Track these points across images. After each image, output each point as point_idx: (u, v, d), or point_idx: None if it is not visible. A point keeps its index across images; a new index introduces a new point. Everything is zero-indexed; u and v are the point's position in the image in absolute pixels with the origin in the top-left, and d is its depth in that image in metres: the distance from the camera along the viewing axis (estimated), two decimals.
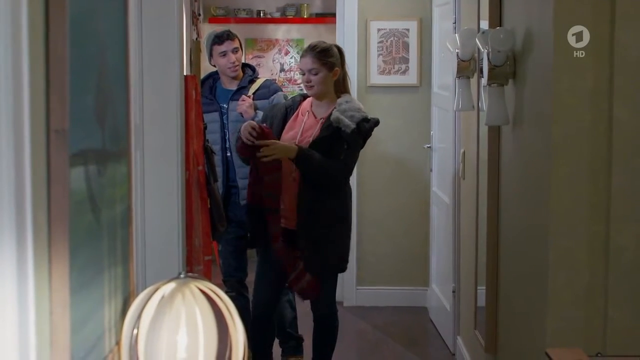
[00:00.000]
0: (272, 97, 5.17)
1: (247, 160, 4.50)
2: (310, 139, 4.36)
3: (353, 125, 4.29)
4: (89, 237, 1.92)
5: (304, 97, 4.60)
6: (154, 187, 3.07)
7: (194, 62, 7.84)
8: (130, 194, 2.39)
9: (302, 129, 4.44)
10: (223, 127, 5.16)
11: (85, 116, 1.89)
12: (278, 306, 4.84)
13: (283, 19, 8.76)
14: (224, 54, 5.17)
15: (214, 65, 5.34)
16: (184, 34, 3.43)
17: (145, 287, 2.14)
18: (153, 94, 3.05)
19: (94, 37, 2.00)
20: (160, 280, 2.09)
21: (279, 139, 4.43)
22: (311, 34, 8.68)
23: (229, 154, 5.14)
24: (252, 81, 5.24)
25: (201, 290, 2.07)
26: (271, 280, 4.58)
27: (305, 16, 8.73)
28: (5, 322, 1.43)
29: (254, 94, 5.19)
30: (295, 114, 4.54)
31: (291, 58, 8.77)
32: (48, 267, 1.58)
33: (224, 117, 5.17)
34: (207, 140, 4.69)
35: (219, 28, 5.48)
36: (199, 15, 8.20)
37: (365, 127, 4.35)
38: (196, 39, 8.01)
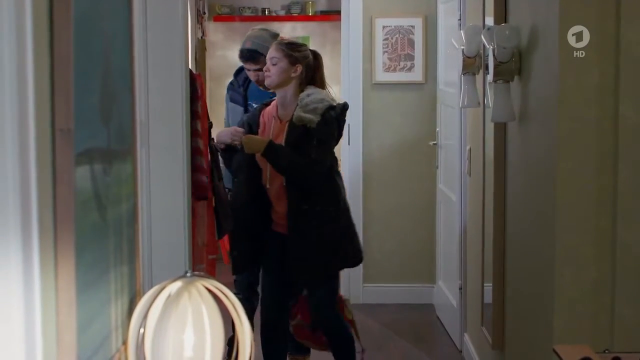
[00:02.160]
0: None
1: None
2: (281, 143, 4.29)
3: (317, 119, 4.19)
4: (94, 236, 1.92)
5: (265, 104, 4.54)
6: (159, 186, 3.07)
7: (199, 61, 7.85)
8: (136, 192, 2.39)
9: (272, 137, 4.35)
10: None
11: (90, 115, 1.89)
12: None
13: (288, 17, 8.76)
14: (248, 69, 5.11)
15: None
16: (189, 33, 3.42)
17: (151, 286, 2.14)
18: (158, 92, 3.04)
19: (99, 36, 2.00)
20: (166, 279, 2.09)
21: (252, 156, 4.39)
22: (316, 32, 8.68)
23: None
24: None
25: (208, 289, 2.07)
26: (277, 287, 4.55)
27: (310, 14, 8.72)
28: (12, 321, 1.43)
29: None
30: (262, 124, 4.47)
31: None
32: (54, 267, 1.58)
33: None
34: (213, 139, 4.69)
35: (254, 32, 5.28)
36: (204, 13, 8.20)
37: (332, 115, 4.23)
38: (201, 37, 8.01)
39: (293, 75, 4.34)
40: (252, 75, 5.05)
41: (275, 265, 4.49)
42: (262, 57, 4.99)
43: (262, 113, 4.51)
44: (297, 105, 4.28)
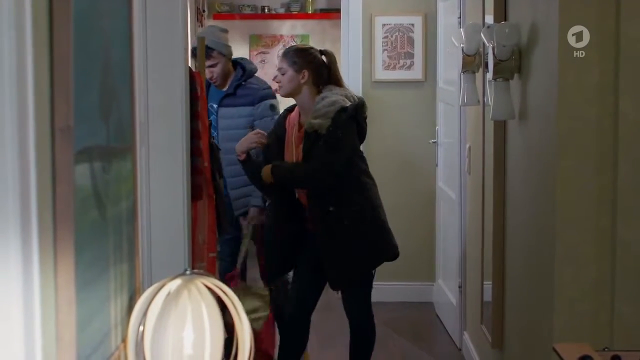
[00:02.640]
0: (258, 105, 5.07)
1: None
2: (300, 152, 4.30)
3: (327, 123, 4.16)
4: (94, 234, 1.92)
5: (289, 110, 4.53)
6: (159, 184, 3.07)
7: (199, 59, 7.85)
8: (136, 190, 2.38)
9: (294, 144, 4.36)
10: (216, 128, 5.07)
11: (90, 113, 1.89)
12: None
13: (287, 15, 8.76)
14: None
15: None
16: (189, 31, 3.42)
17: (151, 284, 2.14)
18: (158, 90, 3.04)
19: (98, 34, 2.00)
20: (166, 277, 2.09)
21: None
22: (316, 30, 8.68)
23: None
24: (238, 86, 5.11)
25: (207, 287, 2.07)
26: (308, 282, 4.55)
27: (310, 12, 8.72)
28: (11, 319, 1.43)
29: (233, 98, 5.10)
30: (287, 130, 4.45)
31: None
32: (54, 265, 1.58)
33: (212, 118, 5.10)
34: (213, 137, 4.69)
35: (202, 32, 5.34)
36: (204, 11, 8.20)
37: (343, 118, 4.19)
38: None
39: (302, 81, 4.33)
40: (207, 73, 5.04)
41: (308, 265, 4.49)
42: (214, 52, 5.02)
43: (287, 120, 4.48)
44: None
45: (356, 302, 4.51)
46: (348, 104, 4.24)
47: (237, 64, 5.22)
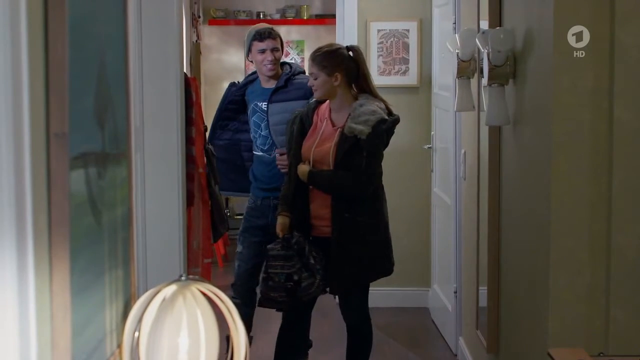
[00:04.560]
0: (311, 97, 5.07)
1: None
2: (330, 151, 4.30)
3: (368, 130, 4.19)
4: (89, 240, 1.92)
5: (319, 102, 4.51)
6: (154, 189, 3.07)
7: (194, 65, 7.85)
8: (131, 196, 2.39)
9: (319, 137, 4.38)
10: (266, 126, 5.07)
11: (85, 119, 1.89)
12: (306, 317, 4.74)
13: (283, 21, 8.77)
14: (262, 51, 5.10)
15: (252, 61, 5.23)
16: (184, 36, 3.43)
17: (146, 290, 2.14)
18: (153, 96, 3.05)
19: (94, 40, 2.00)
20: (161, 283, 2.09)
21: (299, 152, 4.42)
22: (311, 36, 8.68)
23: (272, 155, 5.05)
24: (289, 80, 5.10)
25: (202, 293, 2.07)
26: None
27: (305, 17, 8.74)
28: (6, 325, 1.43)
29: (284, 92, 5.11)
30: (314, 122, 4.47)
31: (291, 59, 8.77)
32: (49, 271, 1.58)
33: (257, 116, 5.11)
34: (208, 143, 4.68)
35: (261, 24, 5.34)
36: (199, 17, 8.21)
37: (382, 128, 4.24)
38: (196, 41, 8.01)
39: (335, 84, 4.33)
40: (267, 57, 5.04)
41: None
42: (278, 38, 5.05)
43: (316, 111, 4.50)
44: (350, 114, 4.27)
45: (353, 306, 4.52)
46: (386, 115, 4.30)
47: (284, 63, 5.24)
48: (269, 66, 5.05)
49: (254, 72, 5.26)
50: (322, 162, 4.35)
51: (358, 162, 4.23)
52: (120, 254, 2.23)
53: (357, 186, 4.28)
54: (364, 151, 4.23)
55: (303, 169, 4.36)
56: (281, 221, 4.45)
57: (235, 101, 5.23)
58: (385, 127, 4.25)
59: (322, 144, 4.36)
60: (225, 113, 5.25)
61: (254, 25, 5.32)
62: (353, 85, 4.40)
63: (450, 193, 5.65)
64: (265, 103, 5.05)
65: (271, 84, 5.09)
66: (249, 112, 5.14)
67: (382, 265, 4.49)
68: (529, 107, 3.53)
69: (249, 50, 5.14)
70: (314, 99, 4.50)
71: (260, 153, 5.09)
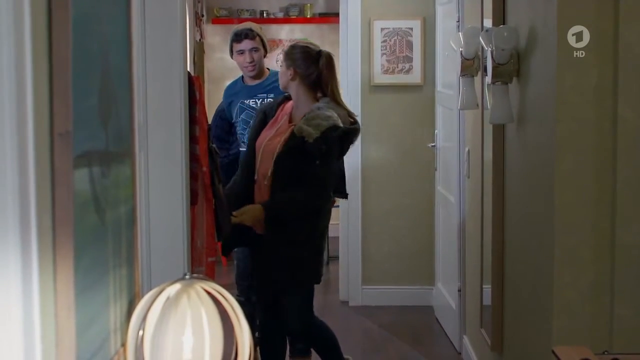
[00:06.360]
0: None
1: None
2: (277, 146, 4.27)
3: (316, 134, 4.12)
4: (93, 239, 1.92)
5: (287, 97, 4.53)
6: (158, 188, 3.07)
7: (198, 63, 7.86)
8: (135, 194, 2.39)
9: (274, 132, 4.38)
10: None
11: (88, 118, 1.89)
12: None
13: (286, 19, 8.77)
14: (241, 52, 5.12)
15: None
16: (187, 35, 3.43)
17: (150, 288, 2.14)
18: (157, 94, 3.04)
19: (97, 39, 2.00)
20: (165, 281, 2.09)
21: (254, 142, 4.42)
22: (314, 34, 8.68)
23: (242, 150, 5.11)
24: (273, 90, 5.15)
25: (206, 291, 2.07)
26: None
27: (309, 16, 8.74)
28: (11, 324, 1.43)
29: (270, 91, 5.13)
30: (276, 115, 4.48)
31: None
32: (53, 269, 1.58)
33: (245, 114, 5.14)
34: (212, 141, 4.68)
35: (243, 24, 5.37)
36: (202, 16, 8.21)
37: (332, 135, 4.16)
38: (199, 39, 8.02)
39: (289, 77, 4.37)
40: (246, 58, 5.07)
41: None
42: (257, 38, 5.08)
43: (282, 105, 4.52)
44: (306, 114, 4.26)
45: (288, 312, 4.47)
46: (341, 124, 4.22)
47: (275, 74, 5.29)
48: (248, 67, 5.10)
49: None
50: (268, 155, 4.32)
51: (304, 169, 4.20)
52: (124, 253, 2.24)
53: (313, 198, 4.26)
54: (309, 157, 4.17)
55: (254, 209, 4.25)
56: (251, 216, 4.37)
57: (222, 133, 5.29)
58: (335, 135, 4.19)
59: (274, 137, 4.36)
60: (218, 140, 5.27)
61: (236, 26, 5.37)
62: (317, 89, 4.37)
63: (454, 191, 5.64)
64: (254, 100, 5.10)
65: (256, 82, 5.18)
66: (235, 112, 5.17)
67: (308, 276, 4.41)
68: (533, 105, 3.53)
69: (230, 52, 5.20)
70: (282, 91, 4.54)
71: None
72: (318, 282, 4.47)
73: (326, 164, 4.27)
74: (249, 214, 4.24)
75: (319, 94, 4.38)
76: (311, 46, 4.48)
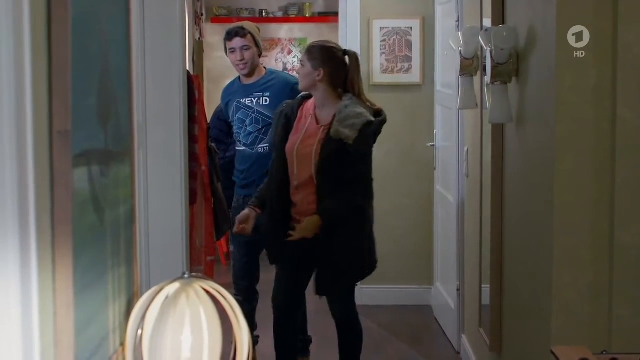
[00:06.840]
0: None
1: None
2: (313, 150, 4.27)
3: (354, 135, 4.17)
4: (92, 238, 1.92)
5: (306, 97, 4.51)
6: (157, 187, 3.07)
7: (197, 62, 7.85)
8: (134, 194, 2.39)
9: (303, 134, 4.35)
10: (251, 121, 5.11)
11: (88, 117, 1.89)
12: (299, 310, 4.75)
13: (285, 19, 8.77)
14: (233, 51, 5.12)
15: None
16: (187, 34, 3.43)
17: (149, 288, 2.14)
18: (156, 93, 3.05)
19: (97, 38, 2.00)
20: (164, 281, 2.09)
21: (284, 148, 4.39)
22: (314, 33, 8.68)
23: (254, 150, 5.09)
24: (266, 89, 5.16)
25: (205, 290, 2.07)
26: (290, 283, 4.52)
27: (308, 15, 8.73)
28: (10, 323, 1.43)
29: (266, 90, 5.13)
30: (298, 117, 4.45)
31: (294, 57, 8.77)
32: (52, 268, 1.58)
33: (241, 113, 5.13)
34: (211, 141, 4.69)
35: (236, 23, 5.36)
36: (202, 14, 8.21)
37: (368, 131, 4.23)
38: (199, 38, 8.02)
39: (317, 78, 4.33)
40: (237, 56, 5.06)
41: (293, 266, 4.47)
42: (248, 35, 5.07)
43: (301, 107, 4.48)
44: (335, 115, 4.25)
45: (340, 300, 4.51)
46: (372, 117, 4.27)
47: (272, 72, 5.30)
48: (240, 65, 5.09)
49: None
50: (305, 159, 4.31)
51: (347, 162, 4.22)
52: (123, 252, 2.24)
53: (362, 195, 4.30)
54: (351, 157, 4.20)
55: (313, 221, 4.25)
56: (247, 212, 4.43)
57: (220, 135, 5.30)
58: (371, 130, 4.25)
59: (305, 140, 4.34)
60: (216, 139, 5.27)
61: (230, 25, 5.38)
62: (340, 88, 4.37)
63: (453, 191, 5.64)
64: (249, 99, 5.08)
65: (251, 81, 5.15)
66: (231, 112, 5.15)
67: (371, 263, 4.48)
68: (532, 105, 3.53)
69: (225, 50, 5.20)
70: (300, 91, 4.51)
71: (243, 148, 5.10)
72: (375, 269, 4.56)
73: (367, 160, 4.34)
74: (310, 228, 4.25)
75: (340, 91, 4.39)
76: (336, 46, 4.49)
